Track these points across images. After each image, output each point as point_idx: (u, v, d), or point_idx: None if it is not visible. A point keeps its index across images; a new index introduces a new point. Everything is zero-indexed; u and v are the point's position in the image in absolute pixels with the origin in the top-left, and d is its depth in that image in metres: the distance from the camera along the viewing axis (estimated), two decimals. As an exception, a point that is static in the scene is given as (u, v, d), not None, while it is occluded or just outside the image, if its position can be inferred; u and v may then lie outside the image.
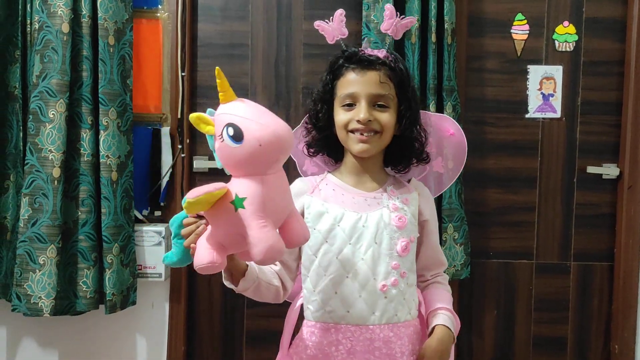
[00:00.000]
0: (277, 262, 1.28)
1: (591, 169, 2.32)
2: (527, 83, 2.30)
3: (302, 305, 1.32)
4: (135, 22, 2.14)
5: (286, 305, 2.27)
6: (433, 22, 2.09)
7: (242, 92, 2.26)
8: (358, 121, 1.21)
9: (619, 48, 2.31)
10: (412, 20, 1.38)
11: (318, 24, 1.39)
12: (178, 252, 1.11)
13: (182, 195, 2.20)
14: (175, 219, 1.12)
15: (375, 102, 1.23)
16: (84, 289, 2.00)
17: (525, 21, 2.28)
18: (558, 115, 2.31)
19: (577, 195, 2.33)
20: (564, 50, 2.30)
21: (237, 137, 0.95)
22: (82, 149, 2.00)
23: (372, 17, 2.12)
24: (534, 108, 2.30)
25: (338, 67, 1.29)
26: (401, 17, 1.35)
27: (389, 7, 1.35)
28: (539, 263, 2.33)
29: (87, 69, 1.99)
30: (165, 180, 2.20)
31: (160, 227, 2.13)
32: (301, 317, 1.35)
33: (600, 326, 2.37)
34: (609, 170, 2.31)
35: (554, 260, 2.34)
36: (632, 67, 2.26)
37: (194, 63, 2.25)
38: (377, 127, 1.22)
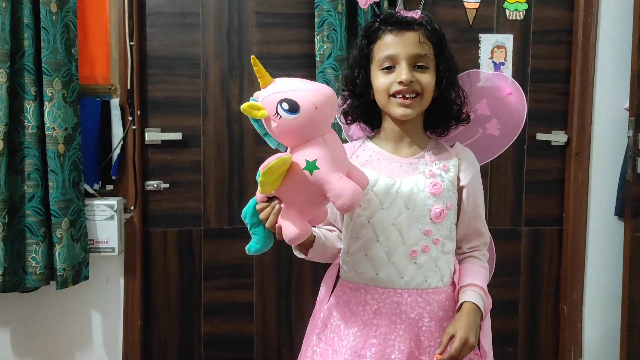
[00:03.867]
0: (334, 228, 1.33)
1: (540, 136, 2.37)
2: (479, 52, 2.32)
3: (339, 265, 1.33)
4: (79, -11, 2.07)
5: (241, 275, 2.29)
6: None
7: (193, 62, 2.22)
8: (400, 82, 1.18)
9: (568, 17, 2.35)
10: None
11: None
12: (260, 239, 1.13)
13: (134, 168, 2.16)
14: (247, 210, 1.13)
15: (415, 63, 1.20)
16: (34, 264, 1.96)
17: (477, -10, 2.30)
18: (509, 83, 2.34)
19: (528, 162, 2.39)
20: (514, 19, 2.33)
21: (293, 108, 1.01)
22: (26, 121, 1.93)
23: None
24: (486, 76, 2.33)
25: (374, 30, 1.25)
26: None
27: None
28: (491, 229, 2.37)
29: (28, 37, 1.91)
30: (116, 154, 2.15)
31: (112, 201, 2.09)
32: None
33: (550, 288, 2.45)
34: (558, 137, 2.37)
35: (506, 226, 2.40)
36: (580, 35, 2.31)
37: (142, 32, 2.19)
38: (418, 88, 1.19)
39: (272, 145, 1.14)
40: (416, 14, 1.24)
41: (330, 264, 1.35)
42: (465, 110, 1.30)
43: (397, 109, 1.21)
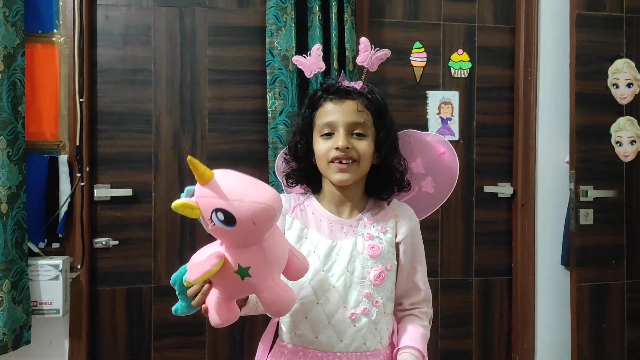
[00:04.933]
0: None
1: (488, 188, 2.45)
2: (427, 107, 2.40)
3: (277, 324, 1.32)
4: (28, 47, 2.05)
5: (192, 333, 2.24)
6: (335, 50, 2.15)
7: (145, 117, 2.22)
8: (337, 148, 1.22)
9: (509, 75, 2.47)
10: (386, 53, 1.39)
11: (296, 59, 1.40)
12: (187, 304, 1.10)
13: (82, 226, 2.11)
14: (176, 278, 1.09)
15: (353, 131, 1.24)
16: (-29, 330, 1.87)
17: (423, 49, 2.40)
18: (456, 138, 2.43)
19: (476, 214, 2.45)
20: (459, 76, 2.43)
21: (229, 221, 0.93)
22: (-32, 179, 1.88)
23: (275, 43, 2.15)
24: (434, 131, 2.41)
25: (317, 99, 1.30)
26: (376, 49, 1.36)
27: (364, 41, 1.36)
28: (443, 280, 2.42)
29: (-27, 95, 1.88)
30: (63, 211, 2.10)
31: (58, 260, 2.03)
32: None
33: (502, 338, 2.48)
34: (504, 189, 2.45)
35: (457, 276, 2.44)
36: (521, 92, 2.43)
37: (93, 89, 2.19)
38: (354, 155, 1.23)
39: (207, 230, 1.05)
40: (357, 85, 1.29)
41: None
42: (407, 178, 1.33)
43: (334, 174, 1.24)
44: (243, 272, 0.97)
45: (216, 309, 1.03)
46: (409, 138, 1.38)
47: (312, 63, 1.37)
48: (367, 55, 1.35)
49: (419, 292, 1.33)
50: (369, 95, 1.27)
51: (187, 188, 0.99)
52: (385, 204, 1.33)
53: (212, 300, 1.04)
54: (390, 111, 1.31)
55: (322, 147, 1.25)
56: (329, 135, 1.25)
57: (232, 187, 0.95)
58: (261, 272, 0.99)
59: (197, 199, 0.95)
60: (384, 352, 1.25)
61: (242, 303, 1.17)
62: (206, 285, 1.05)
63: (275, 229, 1.05)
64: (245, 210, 0.93)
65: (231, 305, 1.05)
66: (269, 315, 1.19)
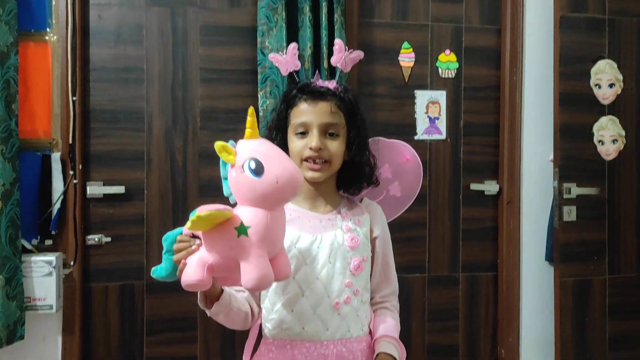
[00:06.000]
0: (245, 289, 1.30)
1: (474, 186, 2.50)
2: (415, 107, 2.45)
3: (260, 325, 1.34)
4: (21, 46, 2.07)
5: (184, 328, 2.27)
6: (325, 50, 2.19)
7: (137, 116, 2.24)
8: (310, 148, 1.27)
9: (495, 74, 2.52)
10: (359, 54, 1.43)
11: (272, 56, 1.44)
12: (168, 266, 1.12)
13: (75, 222, 2.14)
14: (169, 235, 1.13)
15: (327, 131, 1.29)
16: (-35, 325, 1.89)
17: (411, 49, 2.44)
18: (443, 136, 2.48)
19: (463, 211, 2.51)
20: (446, 76, 2.48)
21: (258, 171, 1.01)
22: (-39, 177, 1.90)
23: (266, 43, 2.18)
24: (422, 130, 2.46)
25: (292, 97, 1.34)
26: (350, 51, 1.41)
27: (339, 42, 1.40)
28: (430, 276, 2.48)
29: (-33, 93, 1.90)
30: (56, 208, 2.13)
31: (51, 257, 2.05)
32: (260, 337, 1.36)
33: (488, 332, 2.54)
34: (490, 187, 2.50)
35: (444, 272, 2.49)
36: (507, 92, 2.49)
37: (86, 87, 2.21)
38: (327, 155, 1.28)
39: (225, 193, 1.14)
40: (331, 84, 1.33)
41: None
42: (376, 174, 1.39)
43: (307, 172, 1.29)
44: (242, 229, 1.01)
45: (194, 269, 1.04)
46: (377, 145, 1.44)
47: (287, 61, 1.41)
48: (341, 56, 1.39)
49: (390, 284, 1.41)
50: (342, 95, 1.32)
51: (231, 141, 1.09)
52: (358, 201, 1.40)
53: (194, 259, 1.05)
54: (361, 109, 1.36)
55: (297, 145, 1.29)
56: (303, 134, 1.29)
57: (272, 150, 1.06)
58: (257, 236, 1.02)
59: (238, 147, 1.06)
60: (365, 338, 1.32)
61: (214, 299, 1.18)
62: (195, 245, 1.07)
63: (284, 214, 1.10)
64: (275, 167, 1.03)
65: (209, 273, 1.05)
66: (245, 289, 1.18)
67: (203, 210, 0.97)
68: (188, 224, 0.99)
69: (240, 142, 1.07)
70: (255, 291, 1.15)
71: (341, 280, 1.27)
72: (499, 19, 2.52)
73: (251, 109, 1.08)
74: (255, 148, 1.05)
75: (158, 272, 1.14)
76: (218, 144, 1.05)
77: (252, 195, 1.03)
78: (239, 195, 1.07)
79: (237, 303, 1.26)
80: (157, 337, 2.27)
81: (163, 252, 1.14)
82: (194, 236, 1.09)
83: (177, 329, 2.28)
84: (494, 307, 2.54)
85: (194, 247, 1.07)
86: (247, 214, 1.03)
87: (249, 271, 1.01)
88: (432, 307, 2.47)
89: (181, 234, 1.11)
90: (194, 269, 1.03)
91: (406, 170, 1.49)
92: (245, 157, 1.03)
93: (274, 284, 1.28)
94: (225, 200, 1.13)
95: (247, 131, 1.07)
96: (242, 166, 1.03)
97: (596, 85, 2.36)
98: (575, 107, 2.32)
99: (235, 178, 1.05)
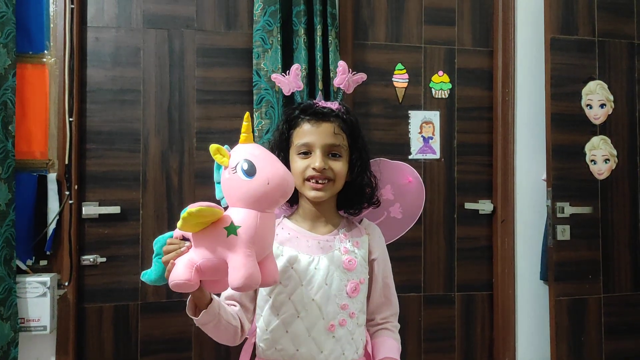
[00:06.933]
0: (237, 303, 1.30)
1: (468, 205, 2.52)
2: (409, 127, 2.48)
3: (255, 343, 1.34)
4: (19, 68, 2.10)
5: (179, 349, 2.25)
6: (319, 71, 2.22)
7: (134, 137, 2.26)
8: (314, 169, 1.28)
9: (488, 95, 2.56)
10: (362, 77, 1.45)
11: (275, 76, 1.46)
12: (157, 270, 1.13)
13: (70, 243, 2.14)
14: (159, 239, 1.14)
15: (330, 152, 1.30)
16: (-42, 347, 1.88)
17: (405, 70, 2.48)
18: (437, 156, 2.50)
19: (458, 230, 2.52)
20: (440, 97, 2.51)
21: (250, 172, 1.05)
22: (-43, 198, 1.90)
23: (262, 65, 2.21)
24: (416, 150, 2.48)
25: (294, 117, 1.35)
26: (353, 73, 1.43)
27: (342, 64, 1.42)
28: (426, 295, 2.48)
29: (-36, 115, 1.91)
30: (51, 228, 2.13)
31: (45, 277, 2.05)
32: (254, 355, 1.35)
33: (484, 352, 2.53)
34: (484, 206, 2.52)
35: (439, 291, 2.49)
36: (499, 112, 2.52)
37: (82, 109, 2.22)
38: (330, 175, 1.29)
39: (217, 196, 1.16)
40: (334, 105, 1.35)
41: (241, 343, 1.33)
42: (377, 195, 1.40)
43: (309, 191, 1.30)
44: (231, 229, 1.02)
45: (182, 269, 1.04)
46: (378, 166, 1.45)
47: (290, 82, 1.43)
48: (345, 78, 1.41)
49: (391, 306, 1.41)
50: (345, 117, 1.34)
51: (226, 145, 1.12)
52: (357, 222, 1.40)
53: (183, 260, 1.05)
54: (362, 130, 1.38)
55: (299, 165, 1.30)
56: (306, 154, 1.30)
57: (265, 154, 1.10)
58: (246, 236, 1.03)
59: (233, 150, 1.10)
60: None
61: (203, 307, 1.16)
62: (185, 246, 1.07)
63: (274, 219, 1.12)
64: (267, 170, 1.06)
65: (197, 274, 1.05)
66: (232, 289, 1.12)
67: (194, 206, 0.99)
68: (179, 222, 1.01)
69: (236, 147, 1.10)
70: (242, 291, 1.13)
71: (337, 302, 1.27)
72: (491, 41, 2.56)
73: (247, 114, 1.11)
74: (249, 151, 1.08)
75: (147, 275, 1.16)
76: (213, 147, 1.08)
77: (244, 195, 1.06)
78: (230, 196, 1.09)
79: (227, 315, 1.24)
80: (152, 358, 2.26)
81: (153, 255, 1.15)
82: (185, 239, 1.10)
83: (172, 350, 2.27)
84: (490, 326, 2.54)
85: (183, 248, 1.07)
86: (237, 214, 1.05)
87: (236, 270, 1.01)
88: (428, 327, 2.47)
89: (171, 237, 1.13)
90: (183, 269, 1.04)
91: (408, 191, 1.50)
92: (238, 159, 1.07)
93: (269, 304, 1.28)
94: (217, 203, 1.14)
95: (242, 135, 1.10)
96: (235, 167, 1.06)
97: (587, 105, 2.39)
98: (567, 127, 2.35)
99: (228, 179, 1.08)
